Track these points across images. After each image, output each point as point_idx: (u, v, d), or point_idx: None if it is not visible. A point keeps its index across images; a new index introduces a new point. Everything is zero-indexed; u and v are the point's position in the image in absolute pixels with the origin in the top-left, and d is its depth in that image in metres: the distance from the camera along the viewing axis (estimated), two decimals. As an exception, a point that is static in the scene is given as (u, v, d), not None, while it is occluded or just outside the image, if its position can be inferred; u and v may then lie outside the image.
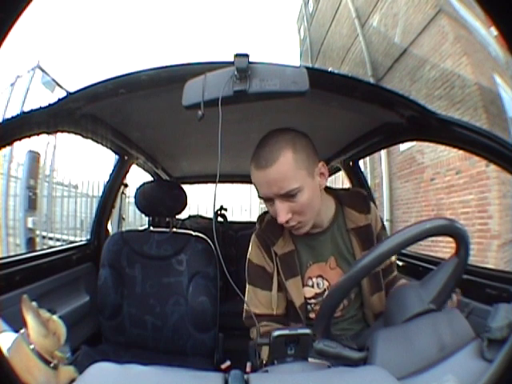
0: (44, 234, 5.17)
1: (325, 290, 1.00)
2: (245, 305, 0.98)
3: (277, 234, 0.99)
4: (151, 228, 1.54)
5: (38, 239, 4.87)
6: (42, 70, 4.77)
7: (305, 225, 0.90)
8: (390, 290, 1.04)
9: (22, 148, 4.75)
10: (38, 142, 5.32)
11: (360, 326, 1.04)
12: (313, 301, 1.00)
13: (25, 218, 4.58)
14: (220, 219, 2.71)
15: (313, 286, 1.00)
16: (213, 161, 1.29)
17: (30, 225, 4.64)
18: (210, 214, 3.42)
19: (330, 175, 1.10)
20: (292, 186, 0.83)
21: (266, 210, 0.99)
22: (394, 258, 1.12)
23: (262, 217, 1.06)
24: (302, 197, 0.84)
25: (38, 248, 4.73)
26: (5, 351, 0.46)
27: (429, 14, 4.96)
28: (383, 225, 1.07)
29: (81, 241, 1.85)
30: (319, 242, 1.00)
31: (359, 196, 1.06)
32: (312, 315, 1.00)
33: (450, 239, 0.76)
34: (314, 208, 0.90)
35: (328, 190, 1.02)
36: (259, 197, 0.91)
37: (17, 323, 0.73)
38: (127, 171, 1.83)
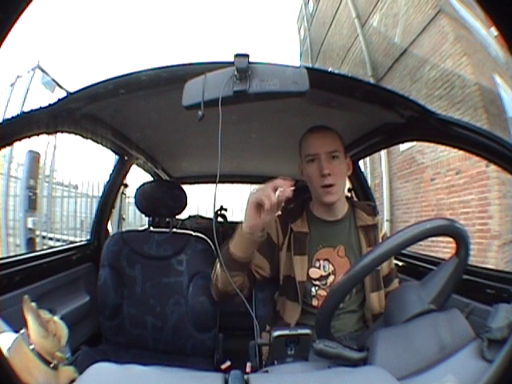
0: (44, 234, 5.16)
1: (329, 273, 1.09)
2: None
3: (296, 215, 1.14)
4: (151, 228, 1.54)
5: (37, 239, 4.87)
6: (42, 71, 4.76)
7: (337, 190, 1.07)
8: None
9: (22, 148, 4.74)
10: (38, 142, 5.32)
11: (359, 326, 1.09)
12: (317, 282, 1.09)
13: (25, 218, 4.57)
14: (220, 219, 2.71)
15: (319, 268, 1.10)
16: (213, 161, 1.28)
17: (30, 225, 4.63)
18: (210, 214, 3.42)
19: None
20: (337, 148, 1.07)
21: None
22: (393, 265, 1.19)
23: (287, 205, 1.18)
24: (339, 164, 1.07)
25: (38, 248, 4.73)
26: (5, 351, 0.46)
27: (429, 14, 4.96)
28: (385, 233, 1.21)
29: (81, 241, 1.85)
30: (332, 229, 1.13)
31: (368, 204, 1.24)
32: (315, 302, 1.08)
33: (450, 239, 0.76)
34: (343, 182, 1.12)
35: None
36: (306, 160, 1.10)
37: (17, 323, 0.73)
38: (127, 171, 1.83)
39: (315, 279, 1.09)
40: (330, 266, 1.09)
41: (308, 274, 1.08)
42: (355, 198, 1.75)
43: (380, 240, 1.13)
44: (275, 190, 0.82)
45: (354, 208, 1.17)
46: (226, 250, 0.94)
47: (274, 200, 0.81)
